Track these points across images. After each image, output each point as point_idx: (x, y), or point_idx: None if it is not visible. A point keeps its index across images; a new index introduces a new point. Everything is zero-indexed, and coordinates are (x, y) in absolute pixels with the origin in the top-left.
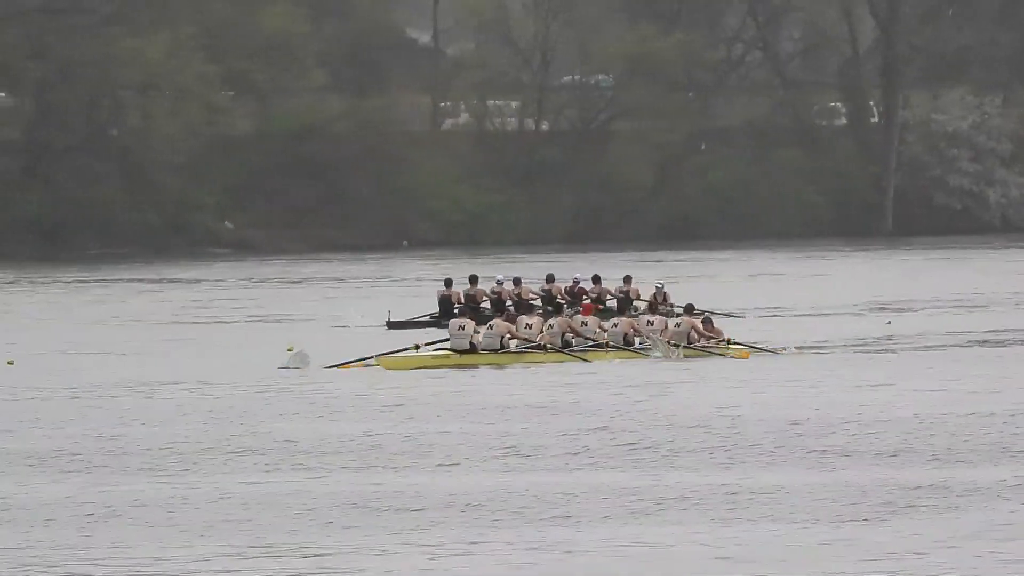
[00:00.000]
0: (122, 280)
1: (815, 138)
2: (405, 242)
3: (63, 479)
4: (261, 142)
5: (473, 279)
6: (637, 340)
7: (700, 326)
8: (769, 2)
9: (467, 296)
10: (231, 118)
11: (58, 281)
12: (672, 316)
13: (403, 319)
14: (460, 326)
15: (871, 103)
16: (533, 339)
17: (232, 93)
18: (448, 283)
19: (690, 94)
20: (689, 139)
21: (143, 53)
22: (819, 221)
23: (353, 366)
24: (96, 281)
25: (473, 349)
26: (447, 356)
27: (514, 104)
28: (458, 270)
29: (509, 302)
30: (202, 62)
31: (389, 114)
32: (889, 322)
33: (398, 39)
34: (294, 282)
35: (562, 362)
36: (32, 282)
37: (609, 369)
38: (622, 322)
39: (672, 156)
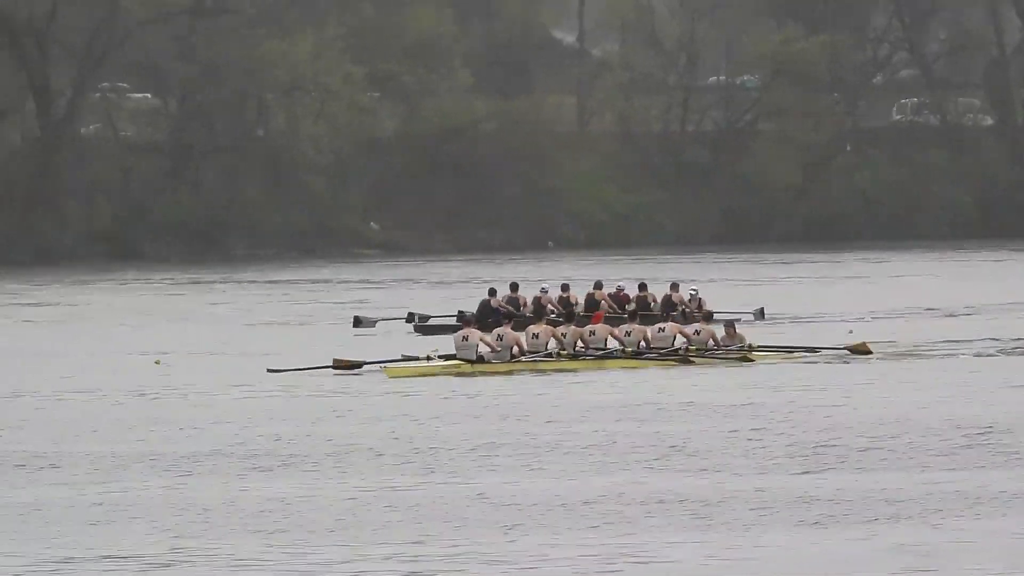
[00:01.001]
0: (269, 281)
1: (961, 139)
2: (551, 243)
3: (201, 478)
4: (407, 143)
5: (514, 286)
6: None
7: (716, 333)
8: (915, 3)
9: (509, 302)
10: (377, 119)
11: (204, 282)
12: (691, 322)
13: (429, 322)
14: (464, 337)
15: (1018, 103)
16: (542, 349)
17: (378, 94)
18: (492, 292)
19: (836, 95)
20: (834, 140)
21: (289, 54)
22: (965, 222)
23: (356, 370)
24: (243, 282)
25: (481, 360)
26: (458, 366)
27: (659, 105)
28: (603, 271)
29: (550, 308)
30: (348, 63)
31: (535, 115)
32: None
33: (544, 40)
34: (437, 283)
35: (577, 370)
36: (178, 283)
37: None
38: (635, 329)
39: (817, 157)
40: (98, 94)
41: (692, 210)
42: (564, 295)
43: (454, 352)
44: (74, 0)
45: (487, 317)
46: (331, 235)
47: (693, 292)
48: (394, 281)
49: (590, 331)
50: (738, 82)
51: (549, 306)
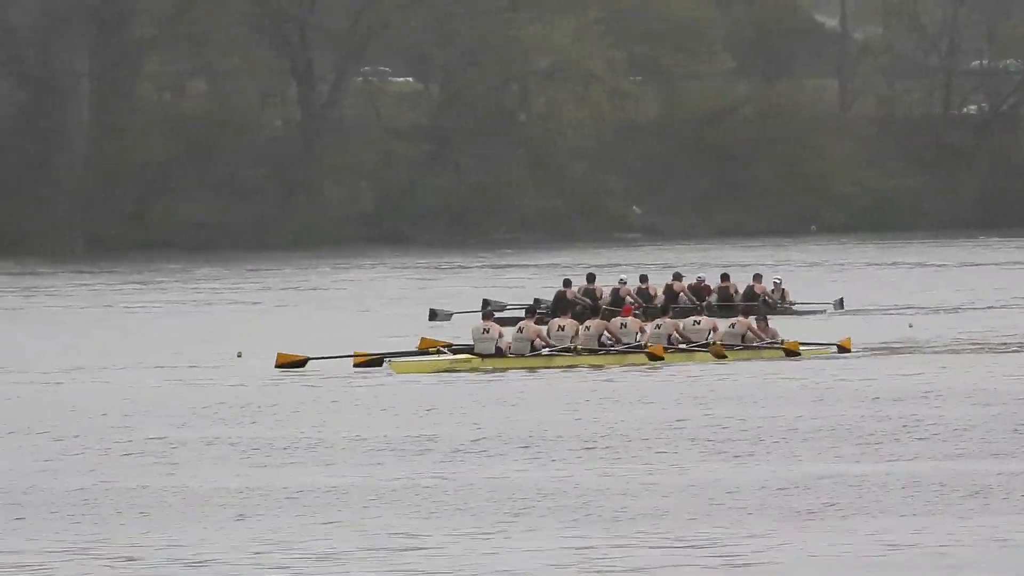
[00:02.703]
0: (531, 265)
1: None
2: (813, 227)
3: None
4: (668, 127)
5: (590, 277)
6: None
7: (755, 326)
8: None
9: (586, 293)
10: (638, 103)
11: (466, 266)
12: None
13: (505, 312)
14: (484, 329)
15: None
16: (565, 342)
17: (639, 78)
18: (567, 283)
19: None
20: None
21: (550, 38)
22: None
23: (361, 361)
24: (505, 266)
25: (500, 353)
26: (467, 360)
27: (921, 88)
28: (862, 255)
29: (629, 299)
30: (609, 47)
31: (795, 99)
32: None
33: (805, 23)
34: (685, 267)
35: (597, 366)
36: (438, 268)
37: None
38: (665, 323)
39: None
40: (360, 78)
41: (955, 194)
42: (643, 286)
43: (472, 344)
44: None
45: (563, 309)
46: (592, 219)
47: (777, 281)
48: (653, 265)
49: (620, 323)
50: (1001, 66)
51: (628, 298)
